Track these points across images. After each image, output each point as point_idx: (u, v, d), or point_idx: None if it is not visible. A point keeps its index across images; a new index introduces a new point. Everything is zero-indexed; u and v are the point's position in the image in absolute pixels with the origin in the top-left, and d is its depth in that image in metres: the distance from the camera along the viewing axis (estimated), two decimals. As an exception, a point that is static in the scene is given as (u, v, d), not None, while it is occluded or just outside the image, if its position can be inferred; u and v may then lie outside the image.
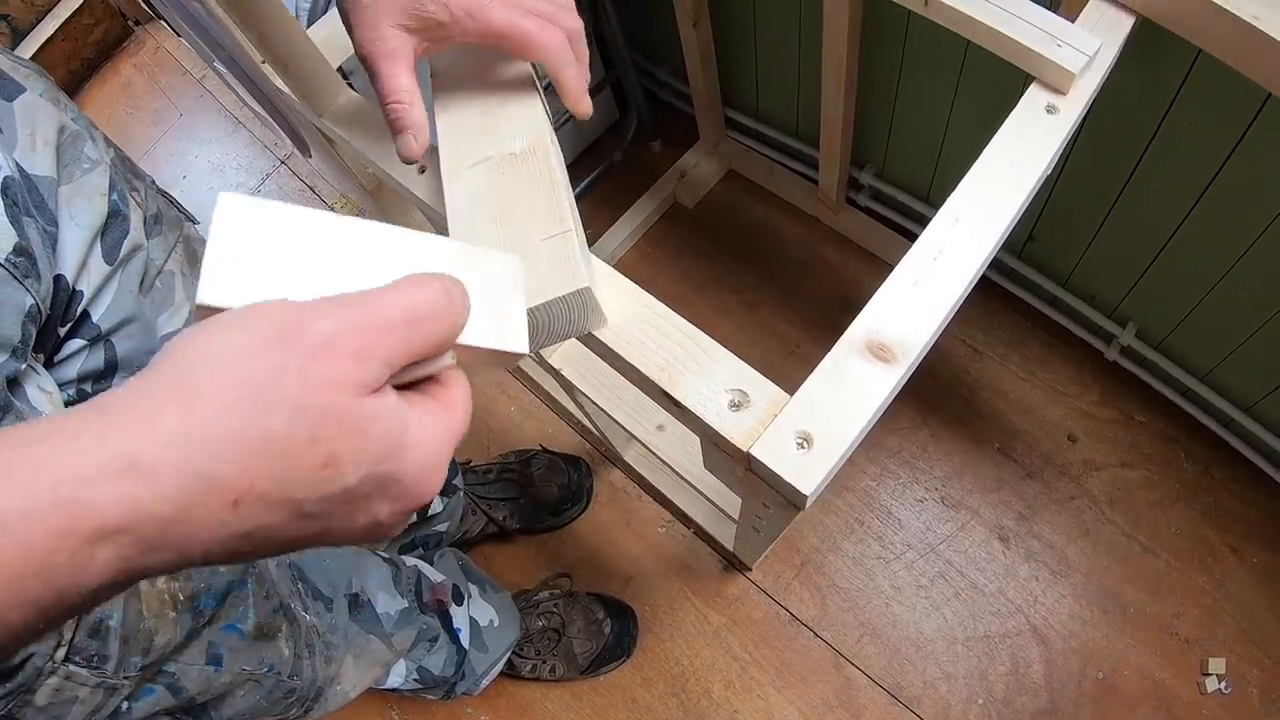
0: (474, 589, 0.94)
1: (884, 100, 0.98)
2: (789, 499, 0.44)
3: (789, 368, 1.17)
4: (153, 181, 0.60)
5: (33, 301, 0.40)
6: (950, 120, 0.93)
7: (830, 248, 1.24)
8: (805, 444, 0.42)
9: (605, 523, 1.13)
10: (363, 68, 0.43)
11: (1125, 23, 0.58)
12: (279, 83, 0.65)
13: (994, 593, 1.02)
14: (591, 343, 0.48)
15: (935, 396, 1.12)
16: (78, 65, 1.78)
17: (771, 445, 0.42)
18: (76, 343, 0.46)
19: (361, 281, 0.28)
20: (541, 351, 0.78)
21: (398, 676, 0.80)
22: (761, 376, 0.45)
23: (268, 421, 0.23)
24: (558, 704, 1.04)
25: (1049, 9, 0.56)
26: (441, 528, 0.98)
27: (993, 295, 1.14)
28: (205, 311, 0.26)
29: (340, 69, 0.66)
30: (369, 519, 0.26)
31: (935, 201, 1.08)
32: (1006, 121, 0.54)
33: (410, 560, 0.85)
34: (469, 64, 0.50)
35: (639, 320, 0.47)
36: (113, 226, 0.49)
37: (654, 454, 0.89)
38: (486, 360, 0.33)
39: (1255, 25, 0.51)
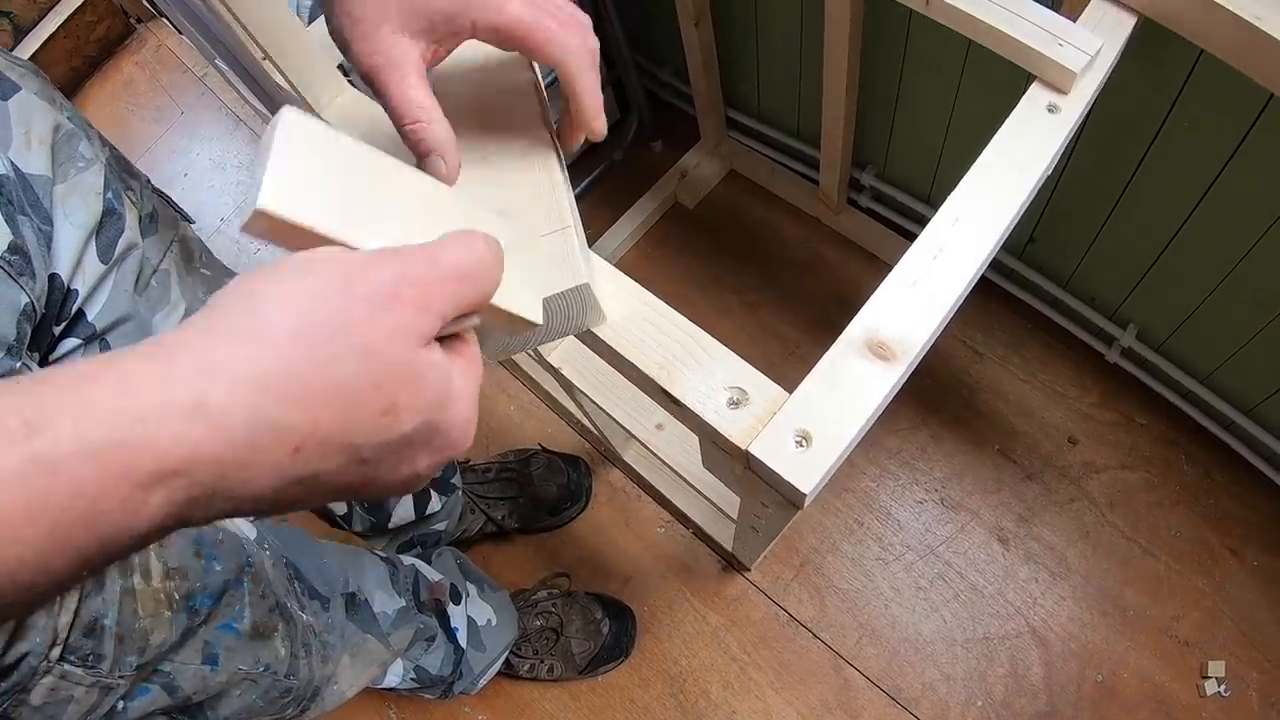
0: (472, 588, 0.93)
1: (885, 101, 0.98)
2: (787, 498, 0.43)
3: (789, 368, 1.17)
4: (148, 180, 0.60)
5: (28, 300, 0.40)
6: (951, 121, 0.93)
7: (831, 248, 1.24)
8: (804, 442, 0.42)
9: (604, 522, 1.13)
10: (368, 85, 0.38)
11: (1127, 22, 0.58)
12: (279, 80, 0.64)
13: (993, 594, 1.02)
14: (591, 340, 0.47)
15: (935, 397, 1.12)
16: (79, 62, 1.78)
17: (770, 443, 0.42)
18: (71, 341, 0.46)
19: (407, 223, 0.29)
20: (541, 350, 0.78)
21: (395, 676, 0.79)
22: (761, 374, 0.45)
23: (336, 367, 0.23)
24: (555, 704, 1.04)
25: (1050, 8, 0.56)
26: (440, 527, 0.98)
27: (993, 296, 1.13)
28: (264, 220, 0.26)
29: (341, 66, 0.66)
30: (410, 470, 0.27)
31: (936, 203, 1.08)
32: (1007, 121, 0.53)
33: (408, 559, 0.85)
34: (465, 68, 0.48)
35: (638, 318, 0.46)
36: (108, 225, 0.49)
37: (653, 453, 0.89)
38: (501, 326, 0.34)
39: (1257, 25, 0.51)
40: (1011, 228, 0.50)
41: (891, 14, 0.84)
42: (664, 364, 0.45)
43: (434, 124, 0.37)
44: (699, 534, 1.09)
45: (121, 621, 0.42)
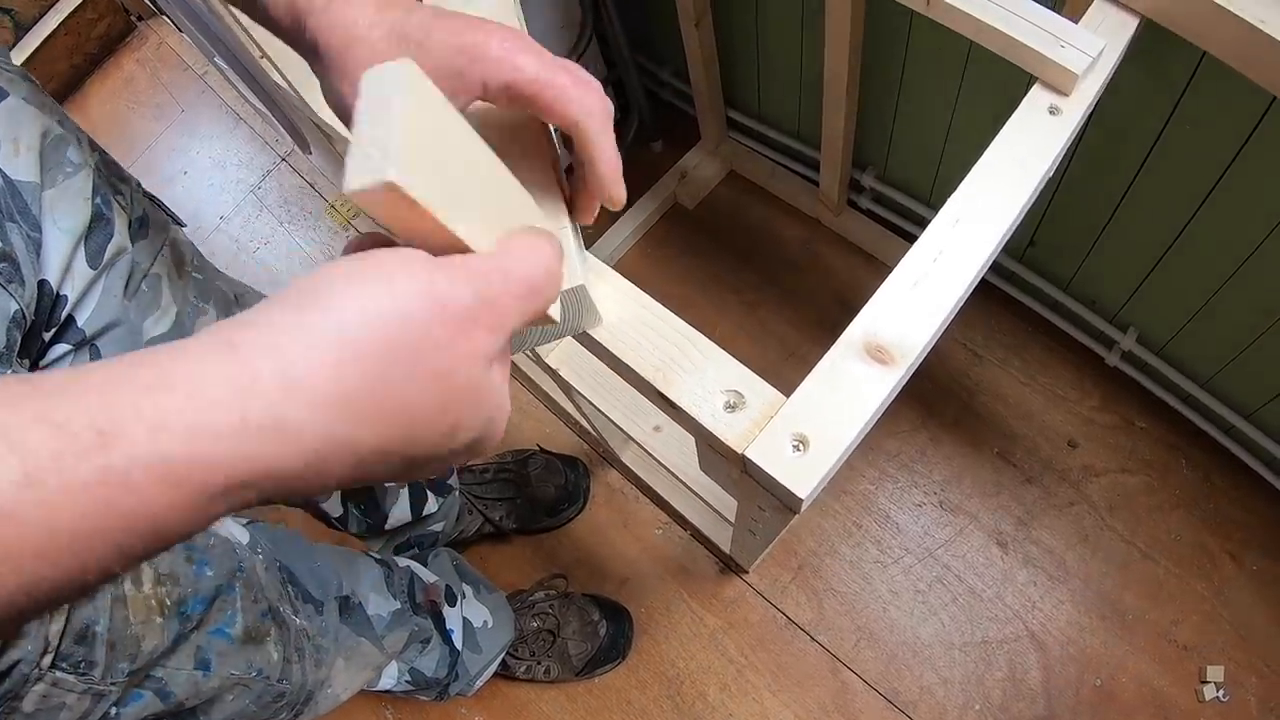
0: (468, 589, 0.93)
1: (886, 102, 0.98)
2: (784, 502, 0.43)
3: (788, 369, 1.16)
4: (138, 184, 0.60)
5: (17, 307, 0.40)
6: (952, 123, 0.93)
7: (831, 250, 1.24)
8: (801, 446, 0.41)
9: (602, 524, 1.13)
10: None
11: (1129, 24, 0.57)
12: (277, 79, 0.64)
13: (992, 598, 1.01)
14: (587, 342, 0.47)
15: (935, 400, 1.12)
16: (80, 60, 1.78)
17: (767, 447, 0.41)
18: (61, 348, 0.46)
19: (484, 209, 0.29)
20: (539, 351, 0.78)
21: (390, 678, 0.79)
22: (757, 377, 0.44)
23: (409, 389, 0.23)
24: (552, 705, 1.04)
25: (1051, 9, 0.56)
26: (437, 527, 0.98)
27: (993, 299, 1.13)
28: (386, 192, 0.24)
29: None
30: (444, 467, 0.28)
31: (937, 205, 1.07)
32: (1008, 123, 0.53)
33: (403, 561, 0.85)
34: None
35: (635, 320, 0.46)
36: (96, 230, 0.49)
37: (651, 455, 0.88)
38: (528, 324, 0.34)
39: (1261, 28, 0.50)
40: (1012, 230, 0.50)
41: (892, 14, 0.84)
42: (660, 367, 0.45)
43: None
44: (697, 536, 1.09)
45: (113, 628, 0.42)
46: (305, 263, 1.44)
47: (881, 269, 1.20)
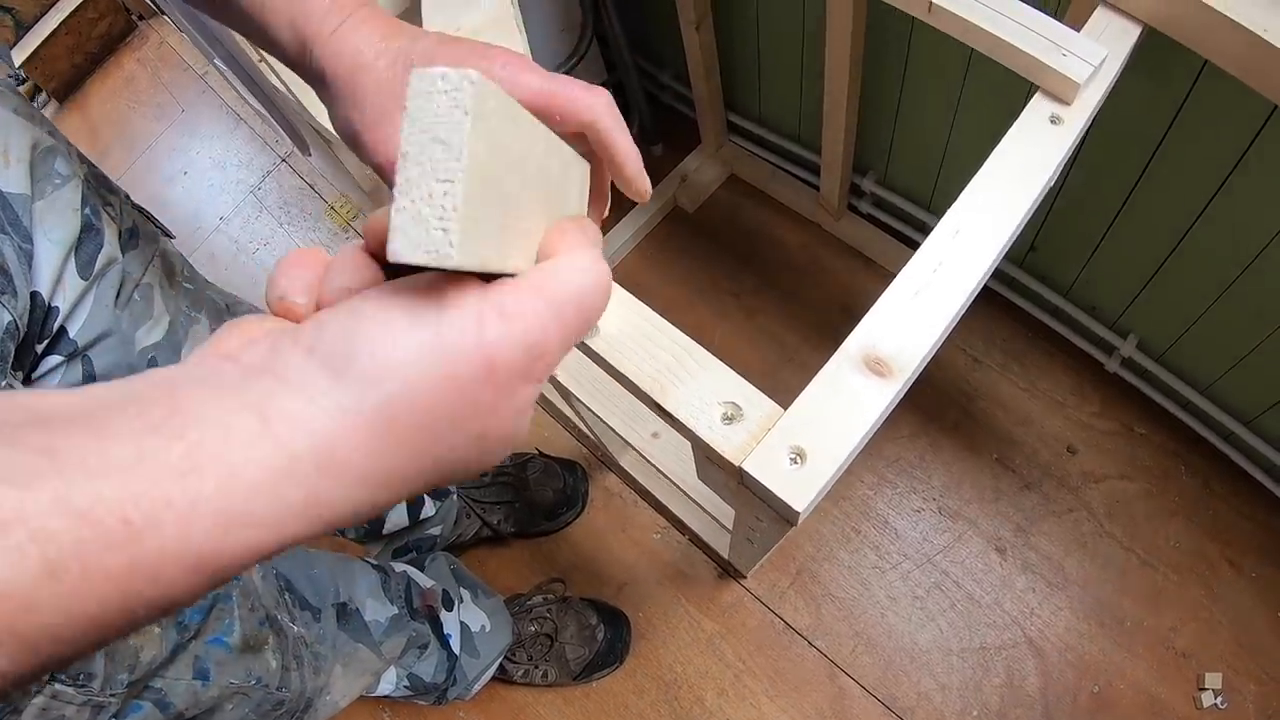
0: (465, 594, 0.93)
1: (887, 107, 0.98)
2: (781, 514, 0.43)
3: (787, 374, 1.16)
4: (127, 196, 0.60)
5: (10, 318, 0.40)
6: (953, 128, 0.93)
7: (831, 254, 1.24)
8: (798, 459, 0.41)
9: (600, 528, 1.13)
10: (380, 177, 0.35)
11: (1132, 32, 0.57)
12: (276, 81, 0.64)
13: (990, 604, 1.01)
14: (585, 351, 0.47)
15: (934, 405, 1.11)
16: (81, 59, 1.77)
17: (764, 460, 0.41)
18: (54, 359, 0.46)
19: (535, 234, 0.25)
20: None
21: (388, 684, 0.79)
22: (755, 389, 0.44)
23: (447, 452, 0.23)
24: (550, 709, 1.04)
25: (1053, 17, 0.56)
26: (435, 531, 0.98)
27: (994, 304, 1.13)
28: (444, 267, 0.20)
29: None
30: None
31: (937, 209, 1.07)
32: (1009, 132, 0.53)
33: (399, 566, 0.84)
34: None
35: (632, 329, 0.46)
36: (86, 241, 0.49)
37: (648, 461, 0.88)
38: None
39: (1264, 38, 0.50)
40: (1013, 241, 0.50)
41: (893, 20, 0.84)
42: (657, 377, 0.44)
43: None
44: (695, 540, 1.09)
45: None
46: (305, 264, 1.44)
47: (881, 273, 1.20)
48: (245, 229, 1.50)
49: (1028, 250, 1.02)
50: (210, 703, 0.50)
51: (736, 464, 0.42)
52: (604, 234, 1.43)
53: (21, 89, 1.72)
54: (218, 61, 1.21)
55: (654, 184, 1.27)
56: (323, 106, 0.37)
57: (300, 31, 0.34)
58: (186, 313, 0.61)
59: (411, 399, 0.21)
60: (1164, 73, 0.68)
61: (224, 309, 0.68)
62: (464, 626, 0.90)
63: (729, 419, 0.43)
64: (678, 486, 0.93)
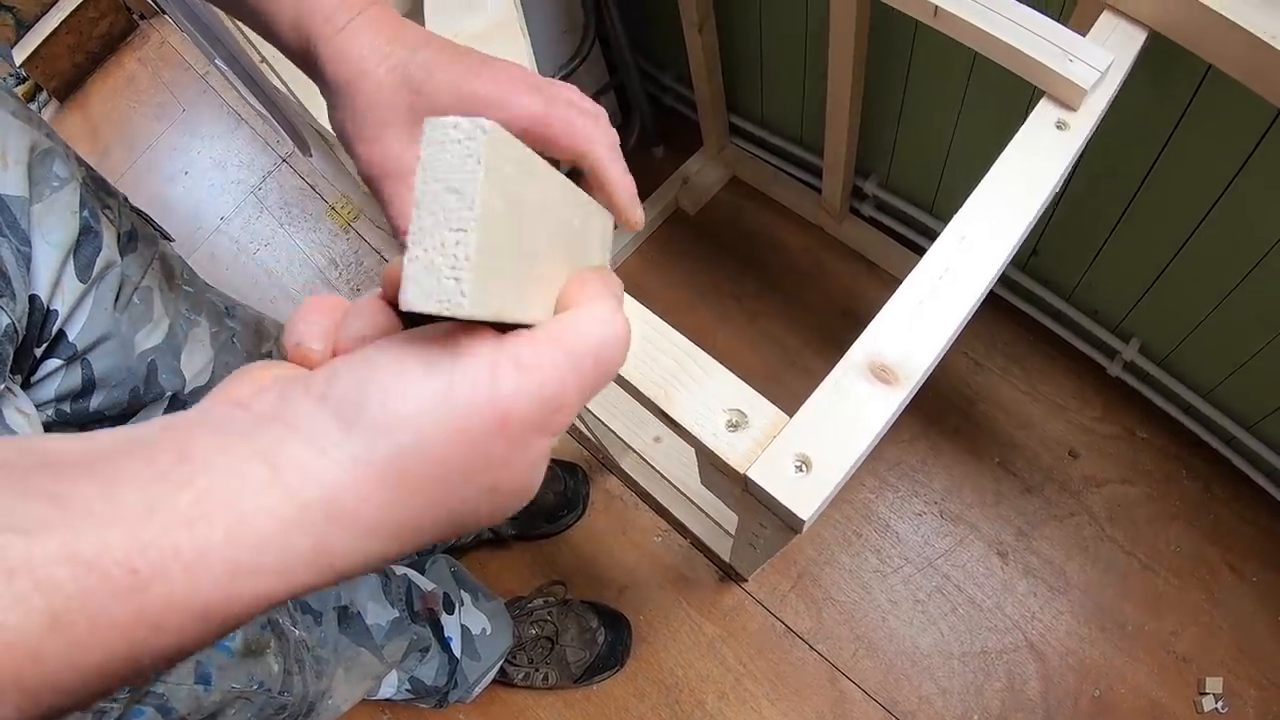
0: (466, 596, 0.93)
1: (890, 110, 0.97)
2: (786, 522, 0.43)
3: (790, 377, 1.16)
4: (125, 199, 0.59)
5: (9, 321, 0.40)
6: (956, 131, 0.92)
7: (833, 257, 1.23)
8: (804, 467, 0.41)
9: (601, 530, 1.12)
10: (368, 188, 0.35)
11: (1137, 37, 0.57)
12: (277, 82, 0.64)
13: (991, 608, 1.01)
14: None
15: (935, 409, 1.11)
16: (82, 58, 1.77)
17: (769, 468, 0.41)
18: (53, 362, 0.46)
19: (556, 281, 0.25)
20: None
21: (390, 687, 0.79)
22: (760, 396, 0.44)
23: (461, 500, 0.22)
24: (550, 712, 1.04)
25: (1058, 21, 0.55)
26: (435, 533, 0.98)
27: (995, 308, 1.13)
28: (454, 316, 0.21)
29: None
30: None
31: (940, 213, 1.07)
32: (1015, 138, 0.53)
33: (400, 569, 0.84)
34: None
35: (636, 335, 0.46)
36: (85, 244, 0.49)
37: (650, 466, 0.88)
38: None
39: (1271, 44, 0.50)
40: (1018, 247, 0.50)
41: (897, 22, 0.84)
42: (661, 383, 0.44)
43: None
44: (696, 544, 1.09)
45: None
46: (305, 265, 1.44)
47: (884, 276, 1.19)
48: (246, 229, 1.50)
49: (1030, 254, 1.02)
50: (212, 707, 0.50)
51: (742, 472, 0.41)
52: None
53: (22, 88, 1.72)
54: (219, 61, 1.21)
55: (655, 186, 1.29)
56: (323, 105, 0.37)
57: (305, 25, 0.33)
58: (186, 315, 0.60)
59: (423, 450, 0.21)
60: (1168, 77, 0.67)
61: (223, 311, 0.68)
62: (465, 629, 0.90)
63: (734, 426, 0.43)
64: (679, 490, 0.93)
